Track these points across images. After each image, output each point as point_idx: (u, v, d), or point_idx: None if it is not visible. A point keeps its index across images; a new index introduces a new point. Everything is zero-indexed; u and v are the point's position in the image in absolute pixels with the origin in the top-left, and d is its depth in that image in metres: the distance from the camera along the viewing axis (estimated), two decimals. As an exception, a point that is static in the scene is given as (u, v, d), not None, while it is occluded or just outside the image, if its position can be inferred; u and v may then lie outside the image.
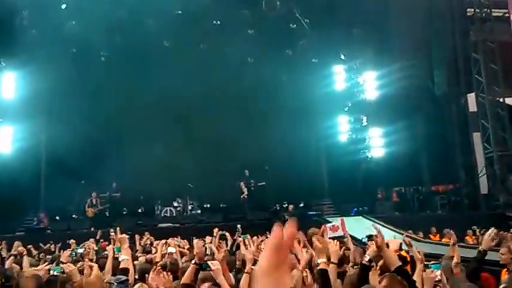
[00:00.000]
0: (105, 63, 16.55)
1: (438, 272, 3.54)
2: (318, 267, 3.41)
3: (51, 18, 15.68)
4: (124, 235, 4.28)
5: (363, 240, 8.09)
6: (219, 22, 16.72)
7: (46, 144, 16.67)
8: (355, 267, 4.57)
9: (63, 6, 15.89)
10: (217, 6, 15.98)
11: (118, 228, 5.70)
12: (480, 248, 4.56)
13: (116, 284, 3.78)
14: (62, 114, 15.71)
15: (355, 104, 17.39)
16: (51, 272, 4.09)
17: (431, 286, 3.31)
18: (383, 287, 2.97)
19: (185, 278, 4.01)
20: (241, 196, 15.73)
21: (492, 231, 4.62)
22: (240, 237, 8.29)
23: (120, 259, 4.01)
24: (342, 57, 17.53)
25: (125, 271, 3.97)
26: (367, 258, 3.62)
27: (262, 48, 16.61)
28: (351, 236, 6.98)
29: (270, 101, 16.08)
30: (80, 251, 6.21)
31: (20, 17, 15.88)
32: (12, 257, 6.62)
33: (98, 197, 15.74)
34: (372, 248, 3.85)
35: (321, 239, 3.83)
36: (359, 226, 12.35)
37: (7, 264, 6.26)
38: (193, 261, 4.29)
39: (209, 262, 3.60)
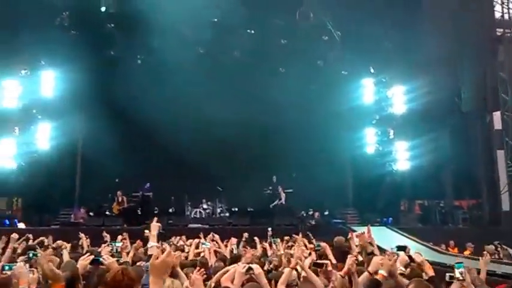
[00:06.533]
0: (141, 66, 17.00)
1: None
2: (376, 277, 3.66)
3: (90, 20, 16.25)
4: (156, 222, 4.18)
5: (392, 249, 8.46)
6: (253, 31, 17.10)
7: (83, 141, 17.20)
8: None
9: (103, 9, 16.36)
10: (252, 16, 16.34)
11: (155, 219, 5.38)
12: None
13: (146, 270, 3.63)
14: (99, 113, 16.04)
15: (382, 117, 17.70)
16: None
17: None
18: None
19: (235, 284, 3.60)
20: (278, 201, 16.00)
21: None
22: (272, 240, 8.73)
23: (148, 246, 3.88)
24: (372, 70, 17.83)
25: None
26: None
27: (293, 58, 17.04)
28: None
29: (299, 111, 16.43)
30: (119, 245, 6.46)
31: (61, 17, 16.40)
32: (51, 249, 6.53)
33: (123, 195, 16.05)
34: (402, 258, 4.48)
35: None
36: (383, 236, 12.76)
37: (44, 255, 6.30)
38: (242, 265, 3.89)
39: (252, 265, 3.49)
